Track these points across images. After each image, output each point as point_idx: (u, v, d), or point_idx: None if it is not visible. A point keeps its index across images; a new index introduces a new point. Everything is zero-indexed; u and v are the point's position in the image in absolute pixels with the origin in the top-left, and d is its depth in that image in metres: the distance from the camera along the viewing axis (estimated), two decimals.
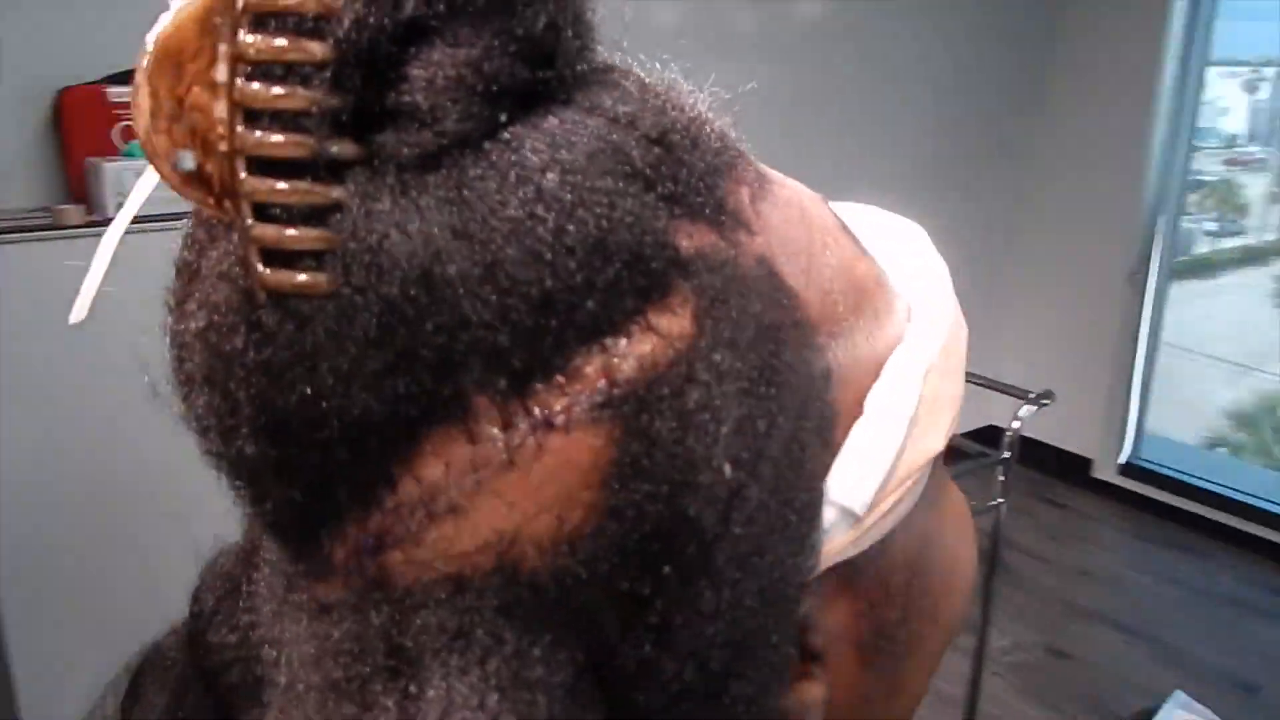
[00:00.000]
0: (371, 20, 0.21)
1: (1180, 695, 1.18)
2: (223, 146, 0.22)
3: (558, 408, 0.23)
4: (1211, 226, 3.55)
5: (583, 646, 0.24)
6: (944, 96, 3.17)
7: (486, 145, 0.23)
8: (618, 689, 0.25)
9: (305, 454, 0.23)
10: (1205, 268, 3.54)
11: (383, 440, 0.23)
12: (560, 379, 0.23)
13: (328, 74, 0.21)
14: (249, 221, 0.22)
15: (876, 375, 0.28)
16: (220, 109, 0.22)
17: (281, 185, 0.22)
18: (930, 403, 0.28)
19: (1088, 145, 3.33)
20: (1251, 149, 3.51)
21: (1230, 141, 3.49)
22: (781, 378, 0.25)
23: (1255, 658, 2.60)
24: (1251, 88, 3.41)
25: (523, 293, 0.22)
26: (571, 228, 0.22)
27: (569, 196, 0.23)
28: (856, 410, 0.27)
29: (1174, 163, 3.27)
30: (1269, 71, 3.34)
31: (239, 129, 0.22)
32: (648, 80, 0.27)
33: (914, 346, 0.29)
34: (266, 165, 0.22)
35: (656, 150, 0.24)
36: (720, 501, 0.24)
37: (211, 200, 0.22)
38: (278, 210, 0.22)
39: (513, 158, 0.23)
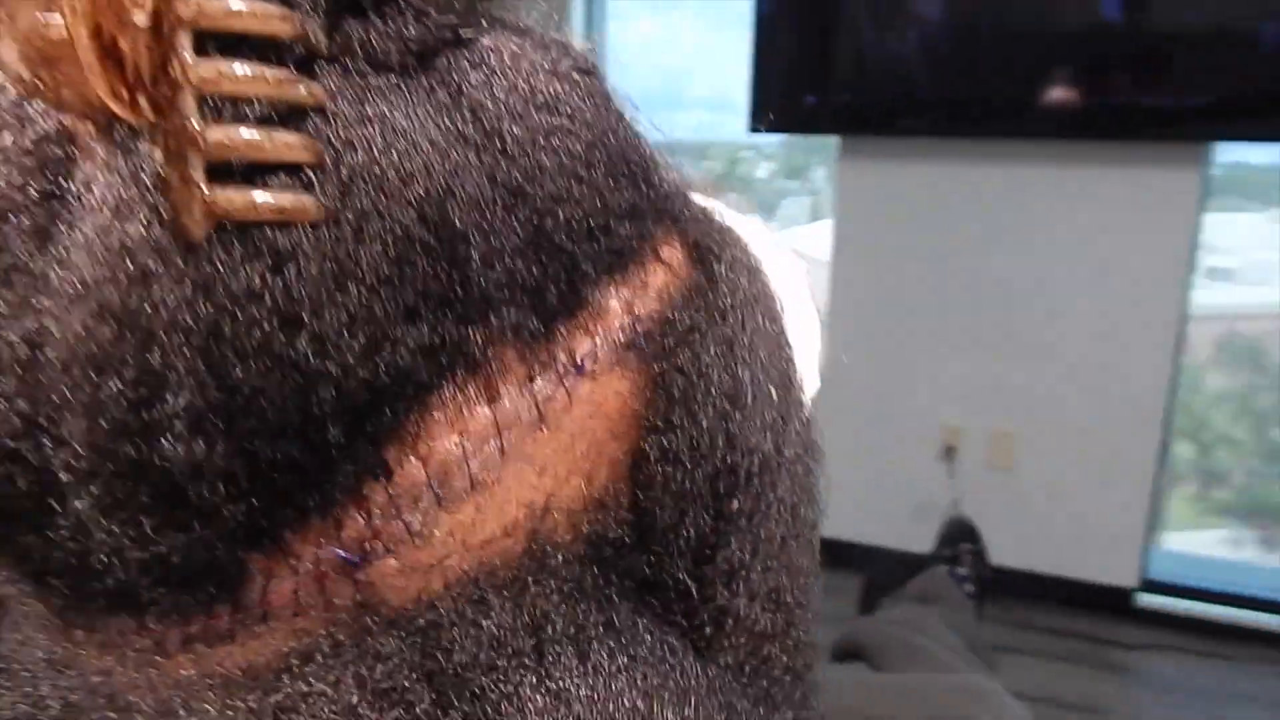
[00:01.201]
0: None
1: None
2: (144, 18, 0.16)
3: (584, 351, 0.20)
4: None
5: (656, 614, 0.21)
6: None
7: (478, 45, 0.19)
8: (702, 650, 0.22)
9: (271, 447, 0.17)
10: None
11: (379, 417, 0.18)
12: (584, 318, 0.20)
13: None
14: (193, 122, 0.16)
15: None
16: None
17: (243, 71, 0.16)
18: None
19: None
20: None
21: None
22: (777, 304, 0.23)
23: None
24: None
25: (558, 215, 0.19)
26: (601, 141, 0.19)
27: (586, 107, 0.19)
28: None
29: None
30: None
31: None
32: None
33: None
34: (220, 45, 0.16)
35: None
36: (774, 427, 0.22)
37: (124, 91, 0.16)
38: (229, 109, 0.16)
39: (509, 61, 0.19)
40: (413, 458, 0.18)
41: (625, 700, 0.19)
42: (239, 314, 0.16)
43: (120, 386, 0.16)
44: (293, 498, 0.18)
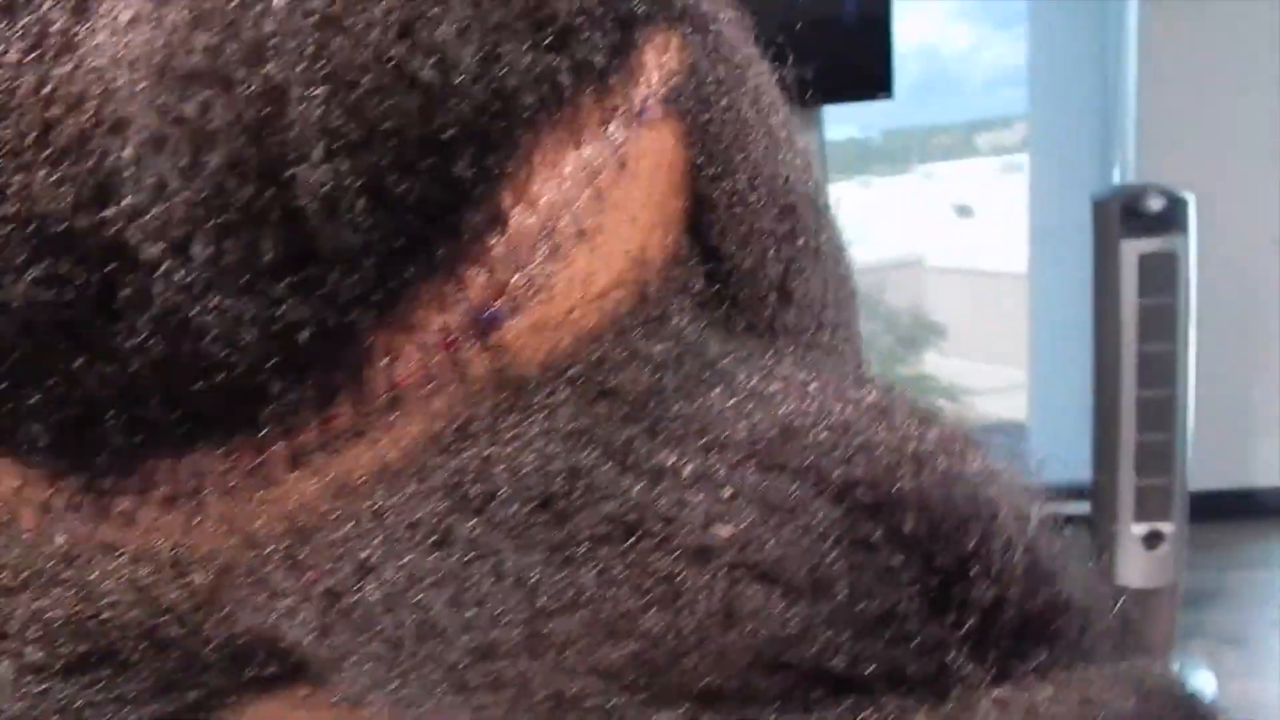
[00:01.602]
0: None
1: None
2: None
3: (640, 96, 0.19)
4: None
5: None
6: None
7: None
8: None
9: (400, 181, 0.15)
10: None
11: (494, 152, 0.16)
12: (633, 65, 0.19)
13: None
14: None
15: None
16: None
17: None
18: None
19: None
20: None
21: None
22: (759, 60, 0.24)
23: None
24: None
25: None
26: None
27: None
28: None
29: None
30: None
31: None
32: None
33: None
34: None
35: None
36: (807, 169, 0.23)
37: None
38: None
39: None
40: (523, 204, 0.17)
41: (813, 384, 0.18)
42: (352, 18, 0.15)
43: (235, 106, 0.14)
44: (420, 250, 0.16)
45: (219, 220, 0.14)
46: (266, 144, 0.14)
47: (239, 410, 0.16)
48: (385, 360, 0.16)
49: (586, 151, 0.18)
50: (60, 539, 0.18)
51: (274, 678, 0.18)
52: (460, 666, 0.16)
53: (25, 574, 0.18)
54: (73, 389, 0.15)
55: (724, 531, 0.16)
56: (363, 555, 0.16)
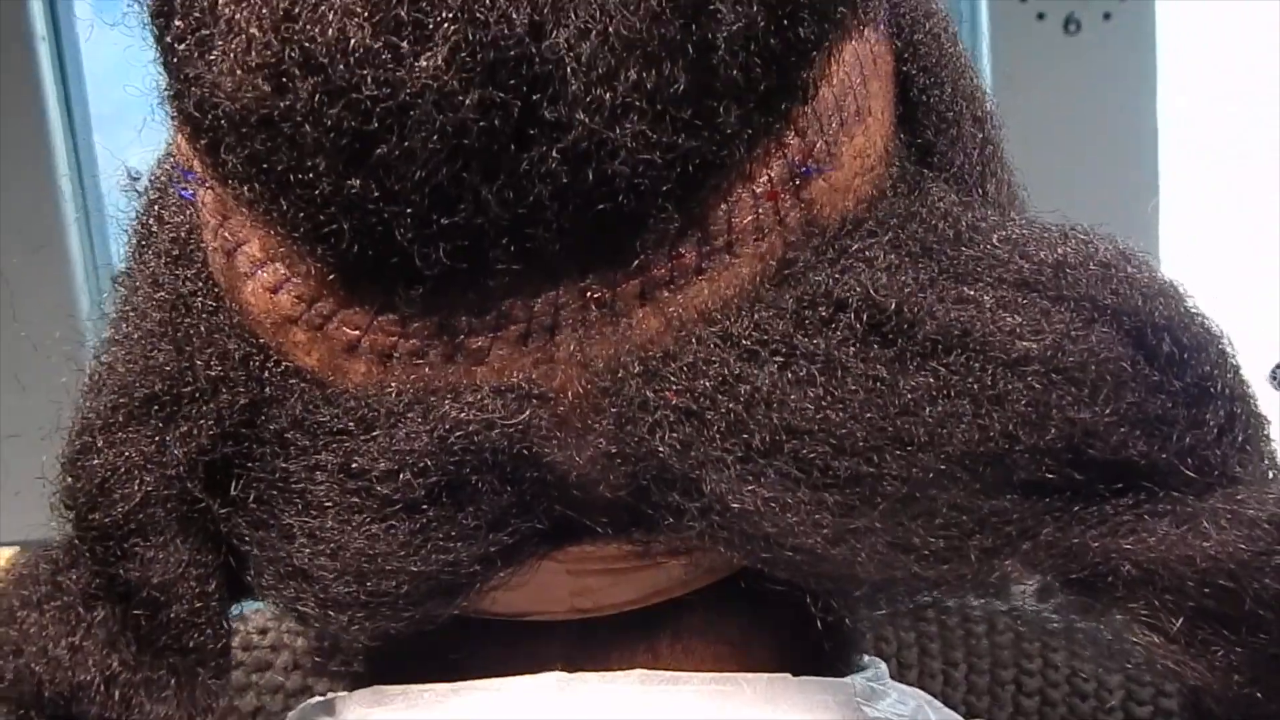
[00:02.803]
0: None
1: None
2: None
3: (869, 8, 0.22)
4: None
5: None
6: None
7: None
8: None
9: (779, 26, 0.18)
10: None
11: (811, 29, 0.19)
12: None
13: None
14: None
15: None
16: None
17: None
18: None
19: None
20: None
21: None
22: None
23: None
24: None
25: None
26: None
27: None
28: None
29: None
30: None
31: None
32: None
33: None
34: None
35: None
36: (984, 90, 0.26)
37: None
38: None
39: None
40: (824, 80, 0.20)
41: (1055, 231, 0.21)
42: None
43: None
44: (758, 106, 0.18)
45: (646, 50, 0.16)
46: None
47: (616, 240, 0.18)
48: (723, 206, 0.18)
49: (857, 44, 0.21)
50: (404, 382, 0.19)
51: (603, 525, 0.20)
52: (818, 463, 0.18)
53: (365, 416, 0.19)
54: (475, 215, 0.17)
55: (1032, 345, 0.18)
56: (717, 372, 0.18)
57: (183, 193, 0.22)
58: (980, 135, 0.25)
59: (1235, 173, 1.06)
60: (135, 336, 0.22)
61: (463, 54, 0.16)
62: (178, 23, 0.19)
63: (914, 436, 0.18)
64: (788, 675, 0.22)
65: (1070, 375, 0.18)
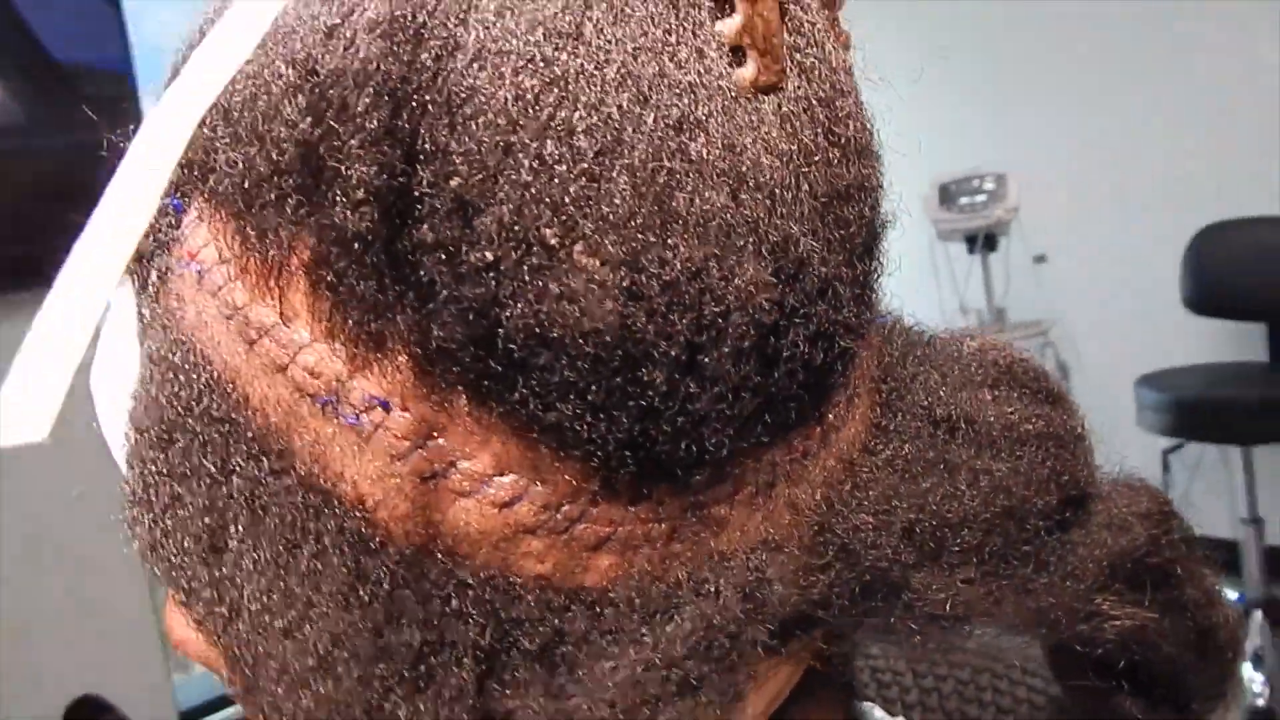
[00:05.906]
0: None
1: None
2: None
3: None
4: None
5: None
6: None
7: None
8: None
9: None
10: None
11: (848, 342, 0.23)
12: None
13: None
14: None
15: None
16: None
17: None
18: None
19: None
20: None
21: None
22: None
23: None
24: None
25: None
26: None
27: None
28: None
29: None
30: None
31: None
32: None
33: None
34: None
35: None
36: None
37: None
38: None
39: None
40: (841, 388, 0.23)
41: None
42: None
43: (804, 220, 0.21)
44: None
45: (769, 300, 0.20)
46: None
47: (815, 399, 0.22)
48: (854, 363, 0.23)
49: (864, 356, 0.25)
50: (657, 567, 0.21)
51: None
52: (972, 544, 0.23)
53: (640, 606, 0.20)
54: (741, 401, 0.20)
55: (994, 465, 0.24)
56: (886, 492, 0.23)
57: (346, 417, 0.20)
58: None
59: None
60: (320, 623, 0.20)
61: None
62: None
63: (1006, 505, 0.23)
64: None
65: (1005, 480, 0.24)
